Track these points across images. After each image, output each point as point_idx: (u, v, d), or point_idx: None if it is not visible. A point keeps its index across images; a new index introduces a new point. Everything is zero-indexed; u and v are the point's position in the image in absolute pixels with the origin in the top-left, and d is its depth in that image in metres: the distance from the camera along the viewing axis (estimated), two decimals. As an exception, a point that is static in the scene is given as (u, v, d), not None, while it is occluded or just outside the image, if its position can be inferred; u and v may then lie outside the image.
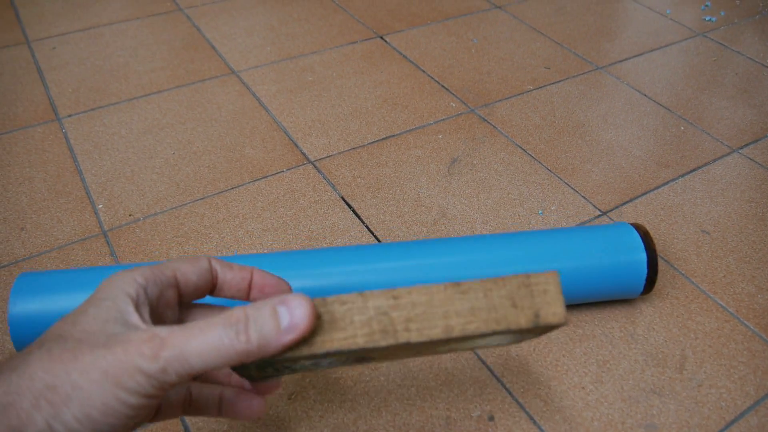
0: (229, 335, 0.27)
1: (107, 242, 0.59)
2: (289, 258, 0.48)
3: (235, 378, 0.37)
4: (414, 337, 0.29)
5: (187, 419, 0.45)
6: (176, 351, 0.26)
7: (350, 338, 0.29)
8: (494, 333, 0.30)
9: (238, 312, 0.27)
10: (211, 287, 0.34)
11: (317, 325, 0.29)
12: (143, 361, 0.26)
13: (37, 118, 0.75)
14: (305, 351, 0.28)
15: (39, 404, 0.25)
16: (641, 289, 0.51)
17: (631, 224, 0.52)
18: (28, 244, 0.59)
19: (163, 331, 0.27)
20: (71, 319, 0.28)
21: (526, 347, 0.51)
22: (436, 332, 0.29)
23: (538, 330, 0.31)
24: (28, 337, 0.44)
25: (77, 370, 0.26)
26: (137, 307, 0.29)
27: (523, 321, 0.29)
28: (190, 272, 0.32)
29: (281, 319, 0.27)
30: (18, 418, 0.25)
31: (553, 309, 0.30)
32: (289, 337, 0.27)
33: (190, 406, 0.35)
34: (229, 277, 0.34)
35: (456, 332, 0.29)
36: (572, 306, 0.54)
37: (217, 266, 0.34)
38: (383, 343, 0.29)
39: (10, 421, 0.25)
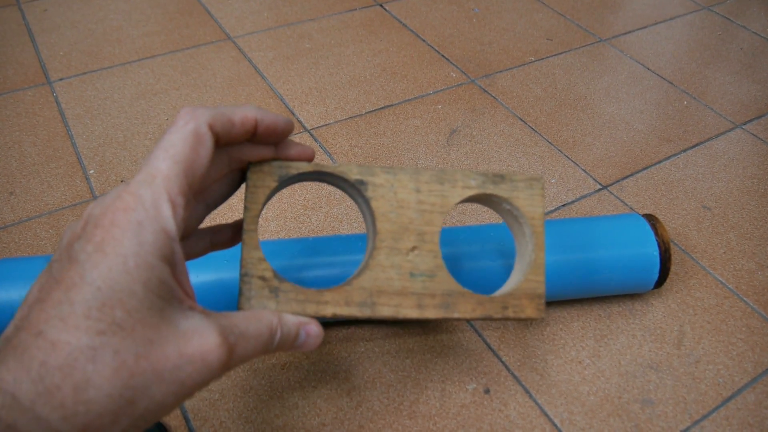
0: (264, 340, 0.30)
1: (98, 208, 0.58)
2: (293, 245, 0.47)
3: None
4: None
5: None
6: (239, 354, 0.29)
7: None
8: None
9: (274, 321, 0.31)
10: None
11: None
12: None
13: (27, 82, 0.73)
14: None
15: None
16: (650, 288, 0.51)
17: (649, 224, 0.49)
18: (17, 209, 0.58)
19: (230, 336, 0.28)
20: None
21: (523, 320, 0.50)
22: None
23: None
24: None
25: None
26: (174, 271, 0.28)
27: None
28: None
29: (300, 338, 0.32)
30: None
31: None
32: (297, 350, 0.33)
33: None
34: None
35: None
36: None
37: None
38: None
39: None
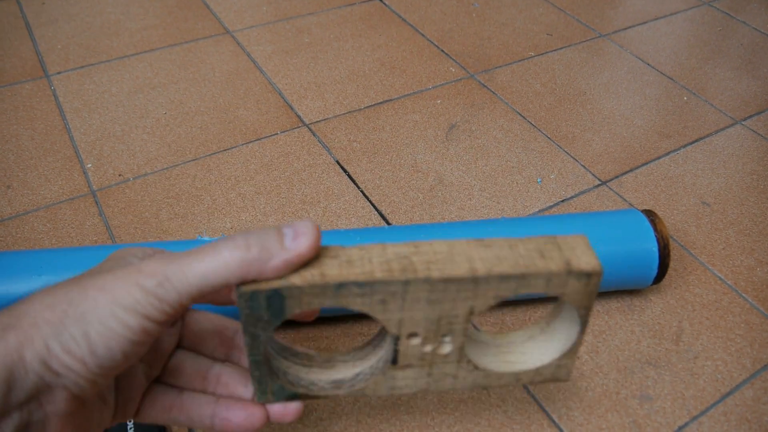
0: (229, 247, 0.26)
1: (96, 202, 0.58)
2: None
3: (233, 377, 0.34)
4: (435, 275, 0.27)
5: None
6: (175, 267, 0.25)
7: (367, 273, 0.27)
8: (523, 278, 0.28)
9: (240, 234, 0.27)
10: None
11: (333, 264, 0.27)
12: (142, 277, 0.25)
13: (25, 75, 0.73)
14: (318, 281, 0.27)
15: (37, 323, 0.24)
16: (649, 284, 0.50)
17: (649, 220, 0.48)
18: (14, 203, 0.58)
19: (166, 254, 0.27)
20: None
21: (521, 316, 0.50)
22: (459, 272, 0.27)
23: (570, 287, 0.29)
24: None
25: (76, 289, 0.25)
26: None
27: (553, 266, 0.28)
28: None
29: (285, 237, 0.27)
30: (16, 339, 0.24)
31: (585, 259, 0.28)
32: (292, 253, 0.26)
33: (182, 406, 0.32)
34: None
35: (481, 272, 0.27)
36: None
37: None
38: (401, 277, 0.27)
39: (8, 343, 0.24)
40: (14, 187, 0.59)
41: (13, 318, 0.25)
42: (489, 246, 0.29)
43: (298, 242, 0.27)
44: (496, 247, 0.29)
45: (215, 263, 0.25)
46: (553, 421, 0.44)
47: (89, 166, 0.62)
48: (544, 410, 0.45)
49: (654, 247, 0.47)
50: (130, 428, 0.42)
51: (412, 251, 0.28)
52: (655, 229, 0.47)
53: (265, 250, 0.26)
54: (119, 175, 0.61)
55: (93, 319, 0.25)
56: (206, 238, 0.45)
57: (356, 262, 0.28)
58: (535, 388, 0.46)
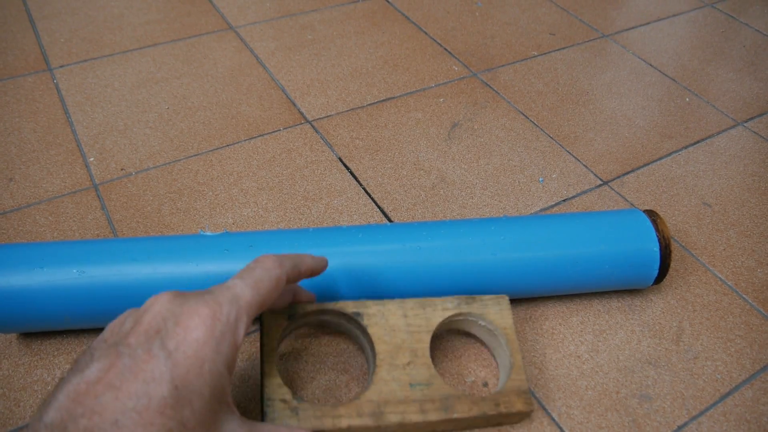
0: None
1: (98, 196, 0.58)
2: (298, 236, 0.46)
3: None
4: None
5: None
6: None
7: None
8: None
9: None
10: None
11: None
12: None
13: (27, 68, 0.73)
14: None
15: None
16: (649, 284, 0.51)
17: (650, 220, 0.49)
18: (16, 195, 0.58)
19: None
20: None
21: (523, 314, 0.50)
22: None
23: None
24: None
25: None
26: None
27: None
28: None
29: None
30: None
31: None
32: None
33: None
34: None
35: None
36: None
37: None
38: None
39: None
40: (16, 180, 0.59)
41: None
42: None
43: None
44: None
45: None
46: (553, 419, 0.44)
47: (91, 159, 0.62)
48: (543, 408, 0.45)
49: (656, 247, 0.47)
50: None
51: None
52: (657, 229, 0.47)
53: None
54: (121, 170, 0.61)
55: None
56: (208, 233, 0.45)
57: None
58: (535, 387, 0.46)
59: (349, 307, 0.43)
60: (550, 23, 0.88)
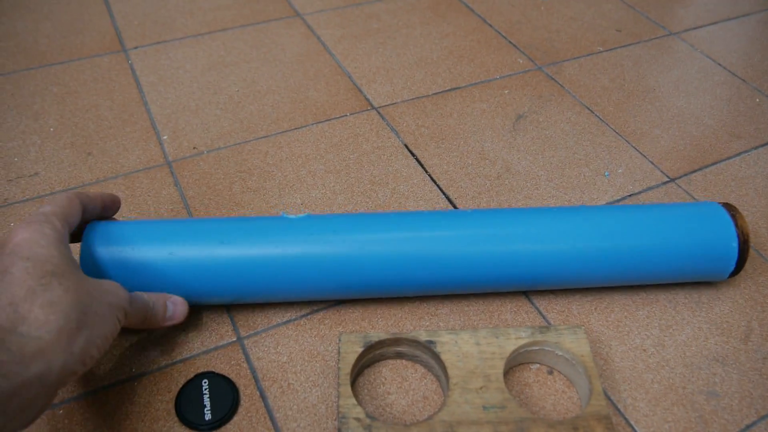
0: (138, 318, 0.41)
1: (171, 172, 0.60)
2: (380, 220, 0.47)
3: None
4: None
5: (249, 347, 0.46)
6: None
7: None
8: None
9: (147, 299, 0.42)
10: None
11: None
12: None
13: (103, 48, 0.76)
14: None
15: None
16: (724, 278, 0.50)
17: (729, 214, 0.48)
18: (94, 169, 0.60)
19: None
20: None
21: (588, 305, 0.50)
22: None
23: None
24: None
25: None
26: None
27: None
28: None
29: (168, 310, 0.43)
30: None
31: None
32: (167, 323, 0.44)
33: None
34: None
35: None
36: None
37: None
38: None
39: None
40: (94, 155, 0.62)
41: None
42: None
43: (173, 317, 0.44)
44: None
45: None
46: (618, 410, 0.44)
47: (165, 137, 0.64)
48: (609, 398, 0.45)
49: (734, 242, 0.46)
50: (205, 388, 0.43)
51: None
52: (736, 224, 0.47)
53: (151, 322, 0.43)
54: (193, 148, 0.63)
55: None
56: (291, 216, 0.46)
57: None
58: (601, 378, 0.46)
59: (422, 336, 0.44)
60: (615, 19, 0.87)
